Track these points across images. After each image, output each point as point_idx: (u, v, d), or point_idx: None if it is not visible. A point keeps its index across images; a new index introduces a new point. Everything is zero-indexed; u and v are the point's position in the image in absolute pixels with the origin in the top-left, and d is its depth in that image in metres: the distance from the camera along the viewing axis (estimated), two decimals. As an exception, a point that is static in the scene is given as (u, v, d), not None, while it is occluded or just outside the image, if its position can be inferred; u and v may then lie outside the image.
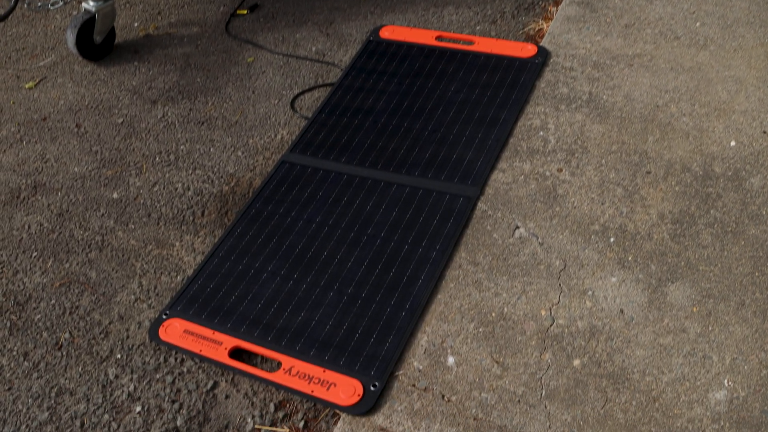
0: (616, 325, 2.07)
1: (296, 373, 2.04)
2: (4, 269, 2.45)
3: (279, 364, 2.12)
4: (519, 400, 1.94)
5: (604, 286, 2.17)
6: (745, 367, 1.95)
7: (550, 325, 2.09)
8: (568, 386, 1.95)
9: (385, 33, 3.21)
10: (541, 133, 2.65)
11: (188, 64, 3.28)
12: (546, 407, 1.92)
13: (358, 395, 1.96)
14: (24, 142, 2.94)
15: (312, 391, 1.99)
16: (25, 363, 2.18)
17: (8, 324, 2.29)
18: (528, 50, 2.97)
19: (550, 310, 2.13)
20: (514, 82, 2.85)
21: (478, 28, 3.27)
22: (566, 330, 2.07)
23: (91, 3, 3.18)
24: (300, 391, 2.00)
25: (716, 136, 2.56)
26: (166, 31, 3.49)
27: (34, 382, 2.14)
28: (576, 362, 2.00)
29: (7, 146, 2.93)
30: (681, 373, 1.95)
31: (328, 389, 1.99)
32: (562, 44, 3.01)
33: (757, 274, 2.16)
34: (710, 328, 2.04)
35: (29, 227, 2.59)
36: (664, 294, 2.13)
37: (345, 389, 1.98)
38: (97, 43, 3.30)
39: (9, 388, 2.12)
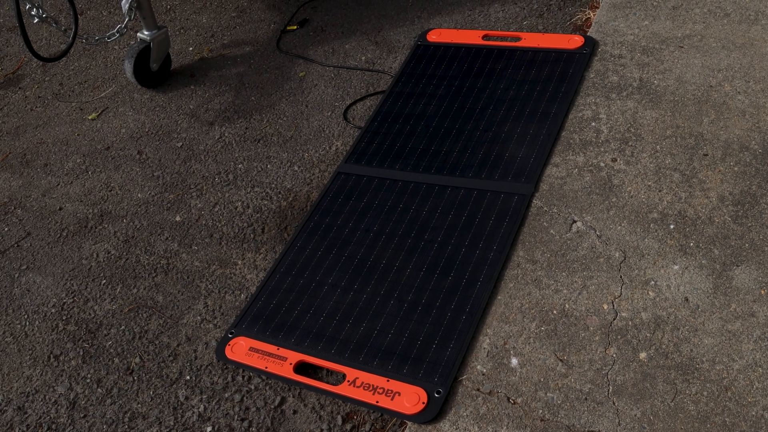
0: (681, 314, 2.03)
1: (361, 384, 2.05)
2: (75, 299, 2.53)
3: (344, 376, 2.14)
4: (586, 398, 1.91)
5: (666, 274, 2.13)
6: (819, 350, 1.90)
7: (614, 319, 2.06)
8: (636, 380, 1.92)
9: (433, 36, 3.21)
10: (593, 123, 2.61)
11: (242, 84, 3.33)
12: (614, 403, 1.89)
13: (423, 403, 1.96)
14: (89, 173, 3.03)
15: (377, 402, 2.00)
16: (99, 390, 2.25)
17: (81, 352, 2.36)
18: (575, 41, 2.93)
19: (613, 303, 2.10)
20: (563, 75, 2.82)
21: (525, 23, 3.24)
22: (630, 323, 2.04)
23: (146, 32, 3.26)
24: (365, 402, 2.02)
25: (776, 112, 2.50)
26: (219, 53, 3.55)
27: (108, 408, 2.20)
28: (642, 355, 1.97)
29: (74, 178, 3.01)
30: (753, 359, 1.91)
31: (392, 399, 2.00)
32: (609, 32, 2.96)
33: (826, 252, 2.10)
34: (780, 311, 1.99)
35: (97, 255, 2.66)
36: (729, 278, 2.09)
37: (409, 398, 1.98)
38: (153, 71, 3.37)
39: (84, 416, 2.19)
